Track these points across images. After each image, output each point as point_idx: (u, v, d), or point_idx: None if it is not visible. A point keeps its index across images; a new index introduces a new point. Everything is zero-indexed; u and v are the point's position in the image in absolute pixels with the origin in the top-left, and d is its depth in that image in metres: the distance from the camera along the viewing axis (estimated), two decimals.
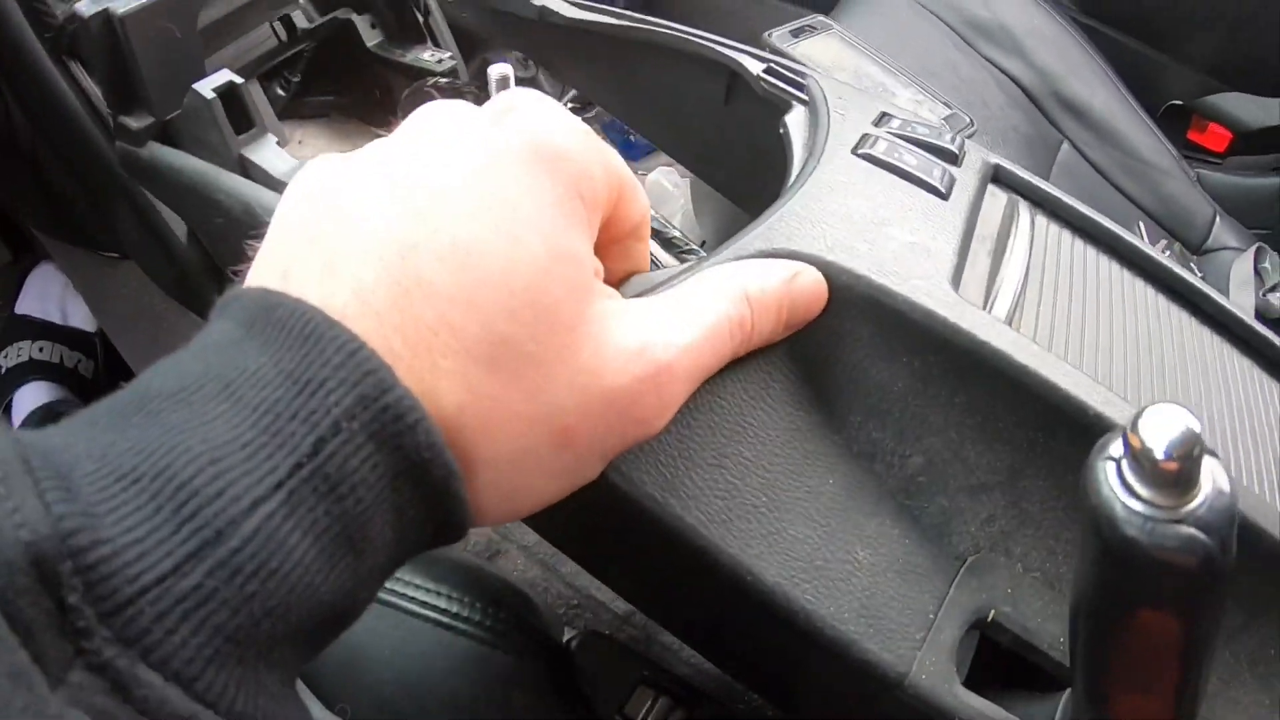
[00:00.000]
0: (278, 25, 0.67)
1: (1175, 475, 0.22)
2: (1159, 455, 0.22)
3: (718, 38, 0.50)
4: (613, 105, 0.56)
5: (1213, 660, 0.27)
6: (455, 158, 0.23)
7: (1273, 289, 1.10)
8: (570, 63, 0.58)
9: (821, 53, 0.94)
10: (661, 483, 0.30)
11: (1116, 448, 0.23)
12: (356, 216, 0.22)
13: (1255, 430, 0.40)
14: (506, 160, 0.24)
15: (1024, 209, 0.43)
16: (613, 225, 0.29)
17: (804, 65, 0.91)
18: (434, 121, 0.25)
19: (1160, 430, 0.22)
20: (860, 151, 0.40)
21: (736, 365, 0.31)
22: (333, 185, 0.23)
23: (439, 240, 0.22)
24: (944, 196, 0.39)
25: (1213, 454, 0.23)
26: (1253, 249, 1.13)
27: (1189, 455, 0.22)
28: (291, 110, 0.73)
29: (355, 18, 0.68)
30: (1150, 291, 0.45)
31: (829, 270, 0.33)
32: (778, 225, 0.34)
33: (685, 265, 0.33)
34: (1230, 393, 0.42)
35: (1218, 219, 1.17)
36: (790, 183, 0.38)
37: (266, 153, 0.52)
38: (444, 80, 0.64)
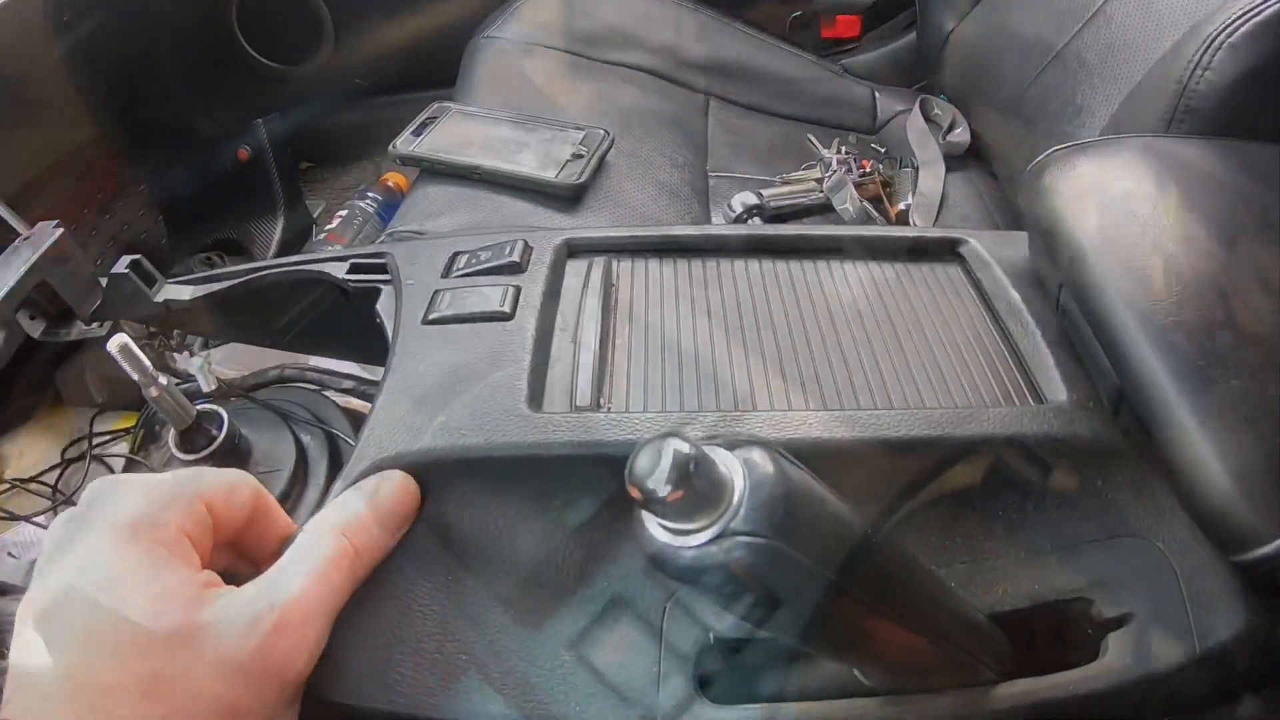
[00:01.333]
0: None
1: (688, 500, 0.22)
2: (662, 494, 0.22)
3: (316, 254, 0.55)
4: (262, 340, 0.60)
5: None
6: (75, 580, 0.30)
7: (950, 129, 1.20)
8: (213, 324, 0.61)
9: (448, 137, 0.99)
10: (381, 685, 0.35)
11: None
12: (37, 661, 0.29)
13: (901, 328, 0.45)
14: (101, 553, 0.30)
15: (598, 270, 0.49)
16: (225, 528, 0.34)
17: (434, 158, 0.96)
18: (55, 548, 0.31)
19: (650, 470, 0.22)
20: (429, 318, 0.44)
21: (392, 567, 0.36)
22: (24, 638, 0.29)
23: (98, 646, 0.29)
24: (509, 316, 0.44)
25: (729, 448, 0.24)
26: (916, 103, 1.23)
27: (686, 477, 0.22)
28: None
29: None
30: (734, 266, 0.50)
31: (413, 461, 0.37)
32: (368, 440, 0.38)
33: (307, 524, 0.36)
34: (846, 309, 0.47)
35: (877, 94, 1.27)
36: (381, 378, 0.42)
37: None
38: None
